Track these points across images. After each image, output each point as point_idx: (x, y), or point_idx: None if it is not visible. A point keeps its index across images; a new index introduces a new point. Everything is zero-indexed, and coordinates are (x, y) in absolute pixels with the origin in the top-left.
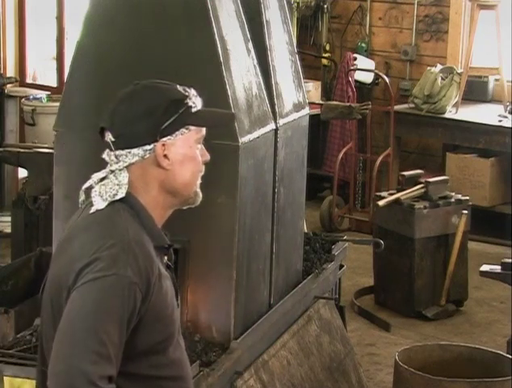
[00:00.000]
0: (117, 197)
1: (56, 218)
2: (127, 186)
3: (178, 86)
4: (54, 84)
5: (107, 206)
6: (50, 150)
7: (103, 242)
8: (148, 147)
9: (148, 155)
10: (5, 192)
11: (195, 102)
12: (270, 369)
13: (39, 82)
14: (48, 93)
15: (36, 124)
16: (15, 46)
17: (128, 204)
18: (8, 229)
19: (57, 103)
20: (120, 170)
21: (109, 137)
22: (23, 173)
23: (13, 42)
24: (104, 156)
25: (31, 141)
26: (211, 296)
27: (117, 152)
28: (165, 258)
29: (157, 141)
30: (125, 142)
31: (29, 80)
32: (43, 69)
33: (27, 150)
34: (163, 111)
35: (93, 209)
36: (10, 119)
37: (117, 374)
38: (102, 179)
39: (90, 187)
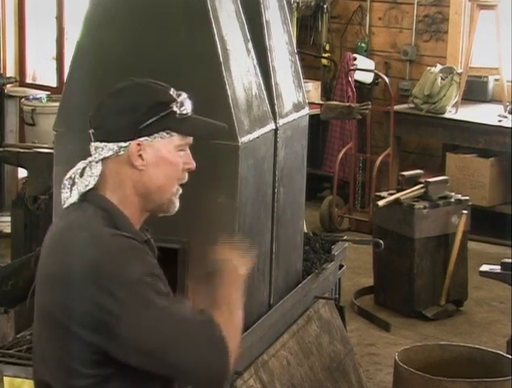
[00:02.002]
0: (87, 188)
1: (56, 218)
2: (97, 178)
3: (171, 90)
4: (54, 84)
5: (78, 210)
6: (50, 150)
7: (91, 254)
8: (123, 144)
9: (122, 152)
10: (5, 192)
11: (185, 108)
12: (269, 369)
13: (38, 82)
14: (48, 93)
15: (36, 124)
16: (15, 46)
17: (98, 205)
18: (8, 229)
19: (57, 103)
20: (96, 162)
21: (91, 128)
22: (22, 173)
23: (13, 42)
24: (90, 147)
25: (31, 141)
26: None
27: (95, 144)
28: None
29: (133, 139)
30: (103, 135)
31: (29, 80)
32: (43, 69)
33: (26, 150)
34: (145, 111)
35: (67, 203)
36: (9, 119)
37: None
38: (82, 171)
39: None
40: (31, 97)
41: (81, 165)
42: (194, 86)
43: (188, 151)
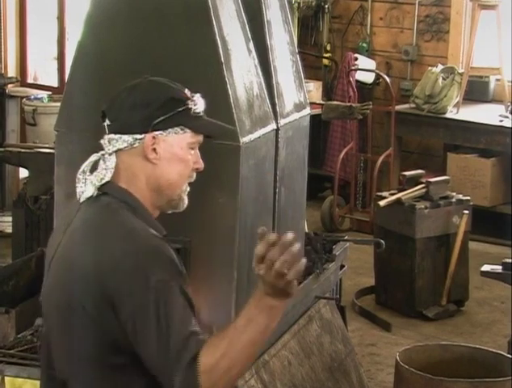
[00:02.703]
0: (104, 181)
1: (57, 218)
2: (113, 170)
3: (185, 89)
4: (55, 84)
5: (102, 205)
6: (51, 150)
7: (119, 253)
8: (138, 136)
9: (137, 144)
10: (6, 192)
11: (198, 107)
12: (271, 369)
13: (40, 82)
14: (49, 93)
15: (37, 124)
16: (16, 46)
17: (119, 198)
18: (9, 229)
19: (58, 103)
20: (110, 154)
21: (106, 120)
22: (24, 173)
23: (14, 42)
24: (101, 141)
25: (32, 141)
26: (212, 296)
27: (110, 136)
28: None
29: (148, 132)
30: (118, 127)
31: (30, 80)
32: (44, 69)
33: (28, 150)
34: (160, 106)
35: (83, 197)
36: (11, 119)
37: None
38: (94, 164)
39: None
40: (32, 97)
41: (93, 158)
42: (195, 86)
43: (197, 151)
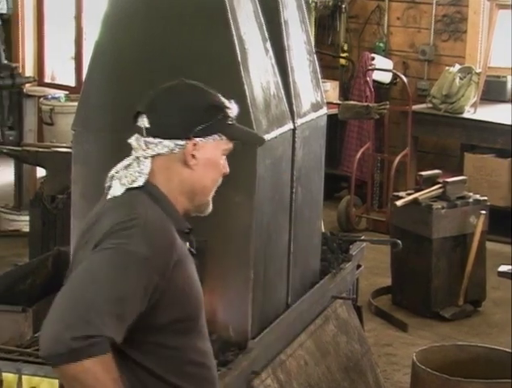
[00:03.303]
0: (135, 184)
1: (73, 217)
2: (147, 176)
3: (219, 94)
4: (72, 84)
5: (124, 193)
6: (68, 150)
7: (119, 220)
8: (180, 142)
9: (177, 150)
10: (23, 192)
11: (233, 114)
12: (287, 369)
13: (57, 81)
14: (67, 92)
15: (54, 124)
16: (34, 46)
17: (146, 192)
18: (26, 229)
19: (75, 103)
20: (145, 158)
21: (144, 122)
22: (41, 172)
23: (31, 42)
24: (131, 141)
25: (50, 140)
26: (229, 295)
27: (148, 139)
28: (187, 243)
29: (190, 138)
30: (159, 131)
31: (47, 79)
32: (61, 69)
33: (45, 150)
34: (203, 112)
35: (110, 195)
36: (28, 118)
37: (142, 350)
38: (127, 166)
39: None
40: (49, 96)
41: (128, 161)
42: (212, 85)
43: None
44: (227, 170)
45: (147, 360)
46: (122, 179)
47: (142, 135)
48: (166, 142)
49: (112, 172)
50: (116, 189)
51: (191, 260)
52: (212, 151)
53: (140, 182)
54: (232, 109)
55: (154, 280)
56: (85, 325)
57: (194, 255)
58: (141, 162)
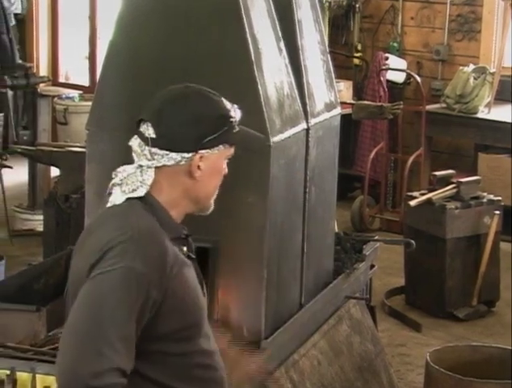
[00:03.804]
0: (135, 194)
1: (87, 217)
2: (148, 187)
3: (223, 100)
4: (86, 83)
5: (123, 202)
6: (82, 149)
7: (114, 235)
8: (187, 155)
9: (183, 162)
10: (37, 191)
11: (237, 120)
12: (300, 369)
13: (71, 81)
14: (81, 92)
15: (68, 124)
16: (48, 45)
17: (142, 200)
18: (40, 228)
19: (89, 103)
20: (149, 168)
21: (149, 132)
22: (55, 172)
23: (46, 41)
24: (134, 145)
25: (63, 140)
26: (242, 295)
27: (154, 149)
28: (185, 248)
29: (196, 151)
30: (166, 143)
31: (62, 79)
32: (75, 69)
33: (59, 149)
34: (210, 124)
35: (110, 203)
36: (42, 118)
37: (146, 361)
38: (130, 174)
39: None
40: (63, 96)
41: (131, 170)
42: (225, 84)
43: None
44: (226, 171)
45: (151, 370)
46: (123, 186)
47: (147, 144)
48: (173, 155)
49: (115, 180)
50: (117, 197)
51: (189, 265)
52: (217, 160)
53: (140, 192)
54: (236, 116)
55: (152, 294)
56: (99, 358)
57: (192, 258)
58: (144, 171)
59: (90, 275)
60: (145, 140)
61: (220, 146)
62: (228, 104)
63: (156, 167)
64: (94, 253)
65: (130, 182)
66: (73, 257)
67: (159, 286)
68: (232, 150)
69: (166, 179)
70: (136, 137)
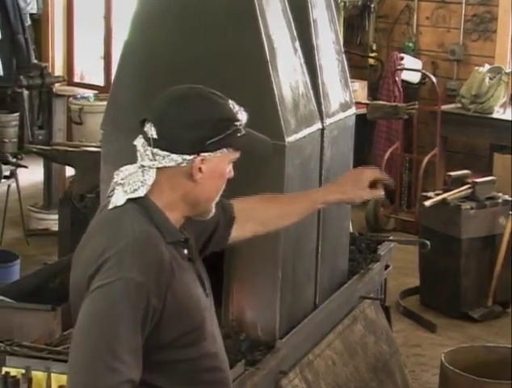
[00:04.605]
0: (136, 194)
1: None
2: (149, 187)
3: (230, 102)
4: (101, 83)
5: (119, 206)
6: (97, 149)
7: (109, 244)
8: (188, 157)
9: (184, 164)
10: (52, 191)
11: (243, 124)
12: (315, 369)
13: (86, 81)
14: (96, 92)
15: (83, 123)
16: (63, 45)
17: (139, 203)
18: (55, 228)
19: (104, 102)
20: (151, 168)
21: (151, 132)
22: (70, 171)
23: (61, 41)
24: (137, 144)
25: (79, 139)
26: (257, 295)
27: (155, 150)
28: (186, 251)
29: (198, 154)
30: (167, 145)
31: (77, 79)
32: (90, 69)
33: (74, 149)
34: (212, 127)
35: (111, 204)
36: (57, 118)
37: (151, 370)
38: (132, 173)
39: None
40: (78, 96)
41: (132, 169)
42: (241, 84)
43: None
44: (231, 174)
45: (159, 379)
46: (125, 185)
47: (149, 144)
48: (174, 156)
49: (117, 179)
50: (119, 197)
51: (188, 269)
52: (220, 164)
53: (141, 192)
54: (242, 119)
55: (152, 302)
56: (110, 374)
57: (191, 260)
58: (146, 171)
59: (89, 287)
60: (148, 140)
61: (224, 149)
62: (234, 107)
63: (157, 168)
64: (91, 263)
65: (132, 182)
66: (72, 266)
67: (158, 294)
68: (237, 154)
69: (167, 181)
70: (140, 136)
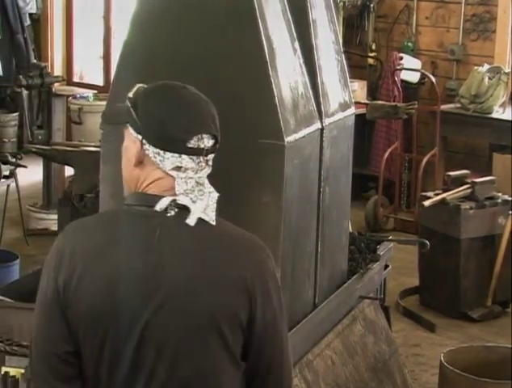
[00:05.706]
0: (209, 215)
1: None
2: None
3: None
4: (101, 83)
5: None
6: (96, 149)
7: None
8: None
9: None
10: (52, 190)
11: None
12: (314, 369)
13: (85, 80)
14: (95, 92)
15: (83, 123)
16: (63, 45)
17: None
18: (54, 227)
19: (104, 102)
20: (205, 176)
21: (207, 142)
22: (69, 171)
23: (60, 41)
24: (188, 164)
25: (78, 139)
26: None
27: (209, 157)
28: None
29: None
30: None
31: (76, 79)
32: (90, 68)
33: (73, 149)
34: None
35: (192, 219)
36: (57, 117)
37: None
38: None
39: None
40: (78, 96)
41: (185, 186)
42: (240, 84)
43: None
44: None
45: None
46: (207, 209)
47: (201, 155)
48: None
49: (184, 202)
50: (194, 215)
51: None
52: None
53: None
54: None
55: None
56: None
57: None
58: (204, 180)
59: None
60: (200, 152)
61: None
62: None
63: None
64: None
65: (210, 204)
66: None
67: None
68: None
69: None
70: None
